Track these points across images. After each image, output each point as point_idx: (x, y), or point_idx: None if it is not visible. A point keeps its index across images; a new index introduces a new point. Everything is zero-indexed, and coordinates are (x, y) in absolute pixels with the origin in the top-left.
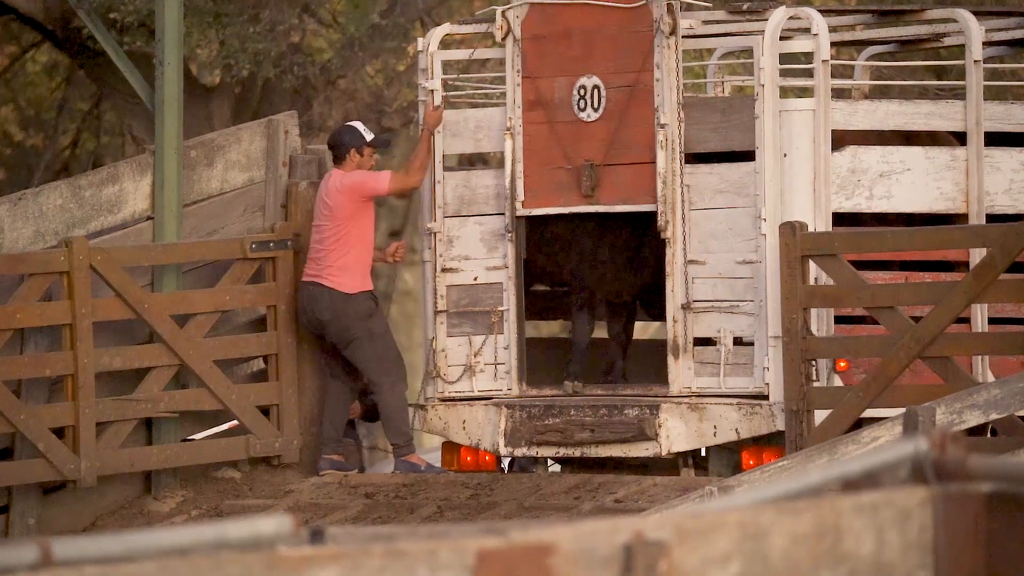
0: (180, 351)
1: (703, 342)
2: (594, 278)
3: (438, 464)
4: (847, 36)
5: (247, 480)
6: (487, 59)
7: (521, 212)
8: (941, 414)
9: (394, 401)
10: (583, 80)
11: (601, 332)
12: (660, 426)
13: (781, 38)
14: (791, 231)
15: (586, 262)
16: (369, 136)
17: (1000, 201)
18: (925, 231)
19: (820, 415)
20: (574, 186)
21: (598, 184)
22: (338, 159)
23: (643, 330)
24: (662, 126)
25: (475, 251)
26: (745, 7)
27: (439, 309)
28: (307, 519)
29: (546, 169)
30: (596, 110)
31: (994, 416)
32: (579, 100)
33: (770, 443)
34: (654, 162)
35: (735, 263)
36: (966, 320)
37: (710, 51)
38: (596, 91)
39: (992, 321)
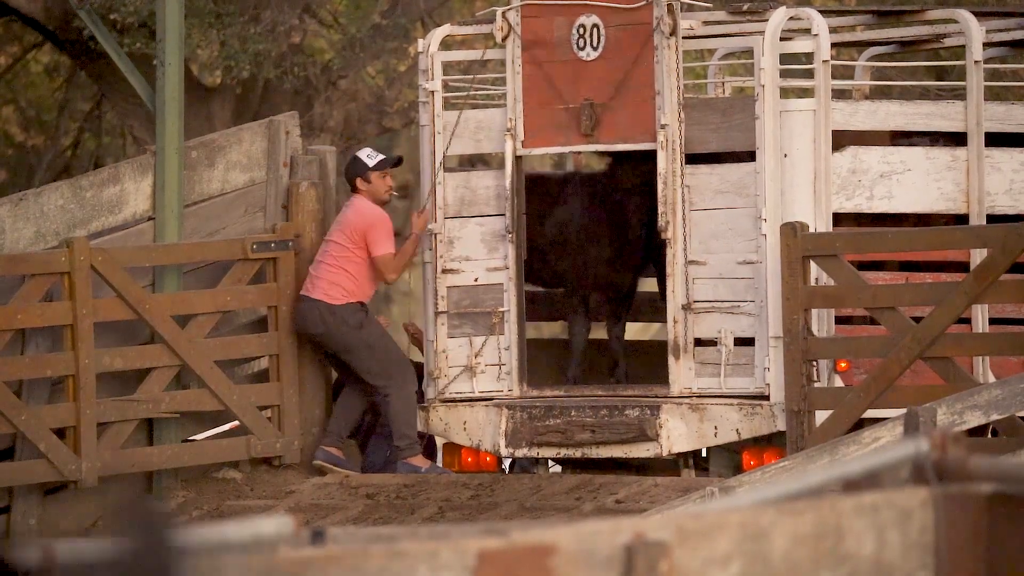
0: (181, 352)
1: (704, 343)
2: (587, 274)
3: (439, 465)
4: (848, 37)
5: (248, 481)
6: (488, 60)
7: (521, 152)
8: (942, 415)
9: (400, 404)
10: (582, 19)
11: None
12: (661, 427)
13: (781, 38)
14: (792, 232)
15: (579, 259)
16: (373, 161)
17: (1000, 201)
18: (926, 231)
19: (821, 415)
20: (574, 125)
21: (598, 123)
22: (353, 189)
23: (643, 330)
24: (662, 126)
25: (475, 252)
26: (745, 8)
27: (440, 310)
28: (308, 520)
29: (545, 108)
30: (595, 49)
31: (995, 416)
32: (578, 39)
33: (771, 443)
34: (654, 100)
35: (736, 263)
36: (967, 320)
37: (711, 52)
38: (595, 29)
39: (993, 321)
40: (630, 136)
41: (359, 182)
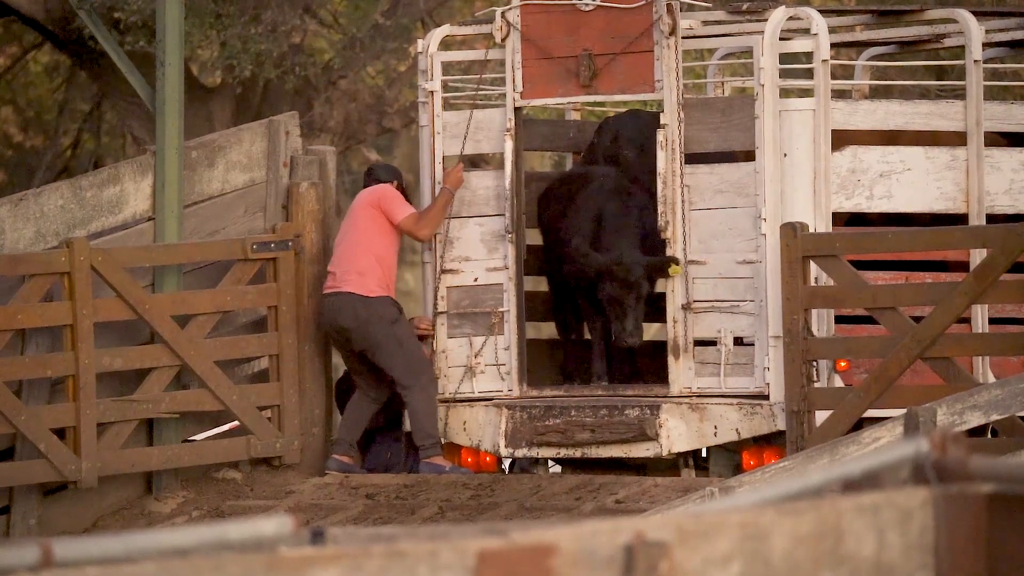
0: (181, 352)
1: (704, 342)
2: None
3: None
4: (847, 37)
5: (248, 481)
6: (488, 60)
7: (520, 103)
8: (942, 415)
9: (423, 404)
10: None
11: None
12: (661, 426)
13: (781, 38)
14: (792, 232)
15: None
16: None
17: (1000, 201)
18: (926, 232)
19: (821, 415)
20: (572, 76)
21: (597, 73)
22: (376, 182)
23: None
24: (662, 126)
25: (475, 252)
26: (745, 7)
27: (440, 310)
28: (308, 520)
29: (544, 59)
30: None
31: (995, 417)
32: None
33: (771, 443)
34: (652, 51)
35: (735, 263)
36: (967, 320)
37: (710, 51)
38: None
39: (993, 321)
40: (629, 87)
41: (395, 185)
